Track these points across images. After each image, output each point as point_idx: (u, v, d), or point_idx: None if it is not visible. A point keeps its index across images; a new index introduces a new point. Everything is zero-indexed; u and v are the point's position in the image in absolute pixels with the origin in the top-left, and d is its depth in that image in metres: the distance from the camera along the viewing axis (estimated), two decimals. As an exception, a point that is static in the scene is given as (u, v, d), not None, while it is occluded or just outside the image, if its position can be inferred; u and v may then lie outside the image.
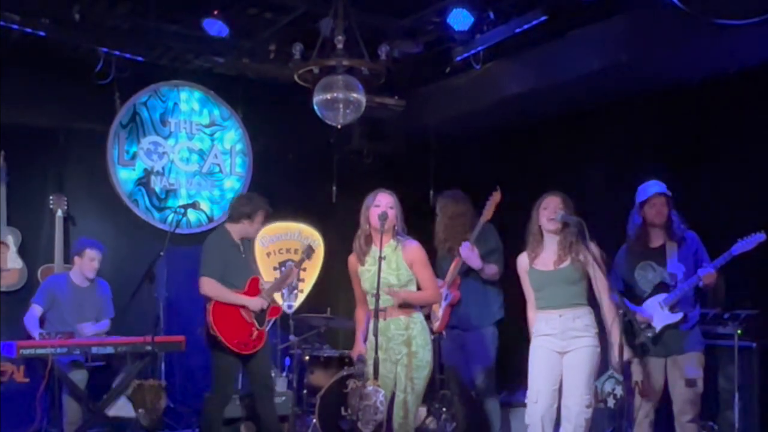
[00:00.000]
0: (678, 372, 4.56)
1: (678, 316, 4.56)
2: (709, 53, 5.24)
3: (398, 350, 4.23)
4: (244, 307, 5.07)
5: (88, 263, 5.83)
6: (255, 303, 5.10)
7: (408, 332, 4.26)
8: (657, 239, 4.74)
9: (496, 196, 5.16)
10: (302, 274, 7.38)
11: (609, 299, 4.27)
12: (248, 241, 5.35)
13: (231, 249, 5.14)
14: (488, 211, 5.16)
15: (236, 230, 5.19)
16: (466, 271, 5.22)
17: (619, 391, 4.07)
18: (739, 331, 5.09)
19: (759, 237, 4.38)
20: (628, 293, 4.67)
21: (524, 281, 4.48)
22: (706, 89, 5.58)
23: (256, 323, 5.10)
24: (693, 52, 5.25)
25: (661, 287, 4.65)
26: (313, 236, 7.55)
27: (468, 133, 7.38)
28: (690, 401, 4.54)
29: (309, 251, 5.51)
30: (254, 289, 5.16)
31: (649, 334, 4.51)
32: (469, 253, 5.08)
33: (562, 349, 4.27)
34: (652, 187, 4.72)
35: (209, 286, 5.00)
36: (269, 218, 5.39)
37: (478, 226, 5.15)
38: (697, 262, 4.61)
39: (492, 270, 5.20)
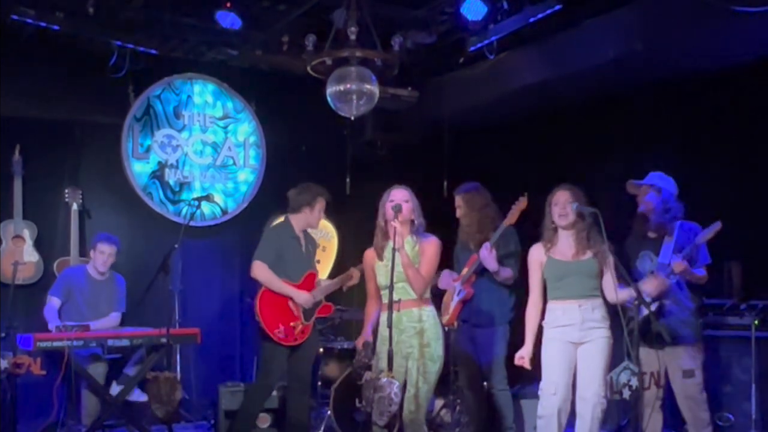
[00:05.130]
0: (674, 364, 4.58)
1: (653, 306, 4.56)
2: (726, 41, 5.18)
3: (409, 343, 4.24)
4: (291, 298, 5.09)
5: (99, 257, 5.86)
6: (302, 297, 5.11)
7: (420, 324, 4.27)
8: (653, 229, 4.75)
9: (522, 203, 5.01)
10: (316, 267, 7.38)
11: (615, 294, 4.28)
12: (311, 238, 5.35)
13: (290, 240, 5.16)
14: (512, 216, 5.04)
15: (298, 221, 5.20)
16: (482, 270, 5.20)
17: (634, 382, 4.05)
18: (756, 322, 5.07)
19: (715, 225, 4.41)
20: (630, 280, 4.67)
21: (535, 272, 4.46)
22: (723, 77, 5.52)
23: (302, 317, 5.12)
24: (709, 40, 5.19)
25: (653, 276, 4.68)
26: (327, 228, 7.55)
27: (482, 124, 7.35)
28: (690, 392, 4.54)
29: None
30: (309, 283, 5.19)
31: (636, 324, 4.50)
32: (486, 255, 5.05)
33: (579, 340, 4.27)
34: (645, 179, 4.75)
35: (259, 270, 5.03)
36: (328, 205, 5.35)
37: (500, 228, 5.10)
38: (693, 253, 4.59)
39: (507, 274, 5.18)
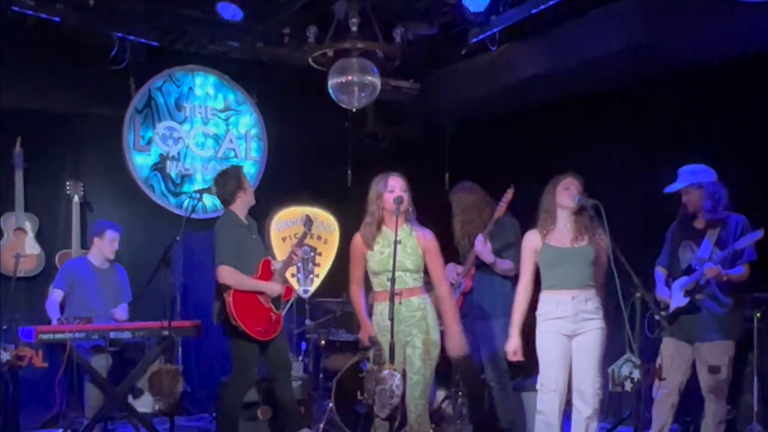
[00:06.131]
0: (702, 358, 4.56)
1: (684, 301, 4.55)
2: (730, 33, 5.16)
3: (408, 332, 4.24)
4: (261, 293, 5.04)
5: (108, 244, 5.86)
6: (273, 288, 5.05)
7: (420, 313, 4.29)
8: (701, 220, 4.71)
9: (509, 194, 5.04)
10: (318, 259, 7.38)
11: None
12: (254, 223, 5.29)
13: (240, 231, 5.07)
14: (501, 209, 5.07)
15: (238, 208, 5.10)
16: (482, 263, 5.20)
17: (636, 374, 4.05)
18: (758, 314, 5.04)
19: (756, 234, 4.42)
20: (672, 270, 4.67)
21: (529, 258, 4.40)
22: (726, 70, 5.50)
23: (273, 307, 5.07)
24: (713, 31, 5.17)
25: (691, 270, 4.65)
26: (329, 221, 7.54)
27: (484, 116, 7.33)
28: (714, 388, 4.54)
29: (308, 223, 5.37)
30: (267, 271, 5.11)
31: (663, 314, 4.50)
32: (481, 248, 5.05)
33: (573, 332, 4.24)
34: (685, 176, 4.71)
35: (228, 275, 4.91)
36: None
37: (492, 221, 5.10)
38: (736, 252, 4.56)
39: (506, 265, 5.16)
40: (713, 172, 4.70)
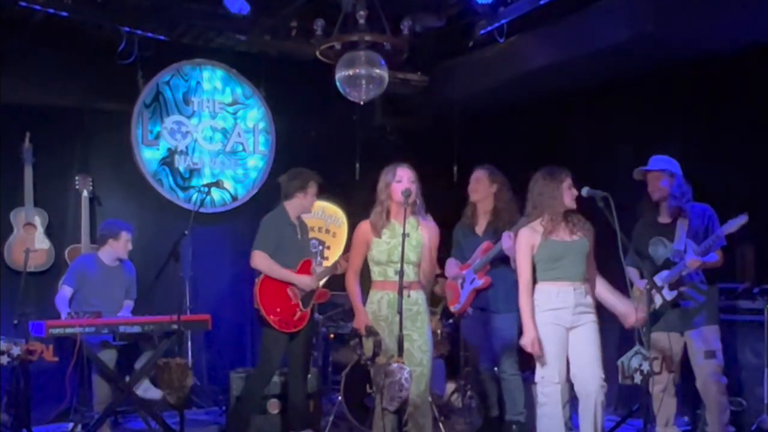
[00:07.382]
0: (695, 346, 4.58)
1: (672, 294, 4.56)
2: (740, 23, 5.13)
3: (404, 325, 4.15)
4: (292, 285, 5.11)
5: (123, 245, 5.85)
6: (304, 281, 5.13)
7: (417, 307, 4.31)
8: (668, 214, 4.72)
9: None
10: (326, 252, 7.39)
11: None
12: (305, 225, 5.36)
13: (287, 228, 5.17)
14: None
15: (293, 207, 5.21)
16: (496, 258, 5.17)
17: (646, 367, 4.03)
18: (768, 306, 5.04)
19: (742, 218, 4.43)
20: (643, 268, 4.66)
21: (526, 255, 4.25)
22: (736, 60, 5.46)
23: (300, 304, 5.14)
24: (723, 21, 5.13)
25: (669, 264, 4.66)
26: (337, 214, 7.54)
27: (492, 108, 7.31)
28: (712, 374, 4.54)
29: None
30: (305, 270, 5.21)
31: (651, 309, 4.50)
32: (510, 244, 5.00)
33: (571, 324, 4.19)
34: (651, 164, 4.75)
35: (260, 260, 5.05)
36: (322, 189, 5.33)
37: (525, 218, 5.05)
38: (708, 236, 4.57)
39: None
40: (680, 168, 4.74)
